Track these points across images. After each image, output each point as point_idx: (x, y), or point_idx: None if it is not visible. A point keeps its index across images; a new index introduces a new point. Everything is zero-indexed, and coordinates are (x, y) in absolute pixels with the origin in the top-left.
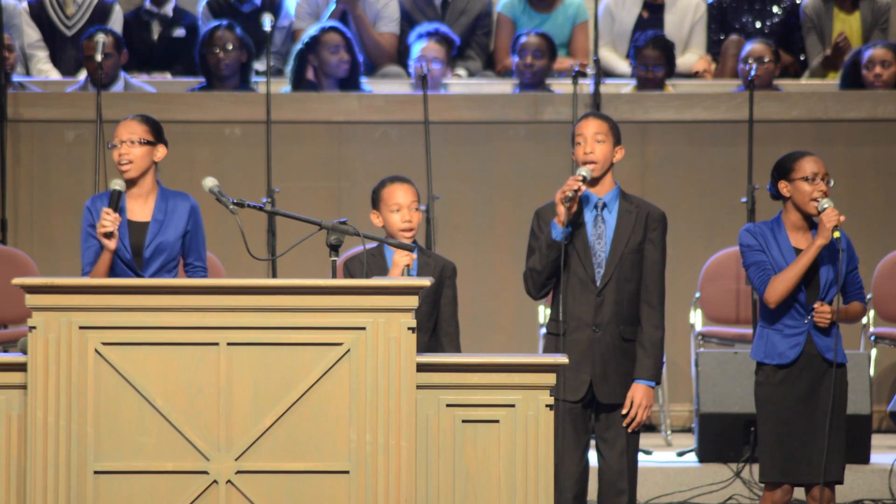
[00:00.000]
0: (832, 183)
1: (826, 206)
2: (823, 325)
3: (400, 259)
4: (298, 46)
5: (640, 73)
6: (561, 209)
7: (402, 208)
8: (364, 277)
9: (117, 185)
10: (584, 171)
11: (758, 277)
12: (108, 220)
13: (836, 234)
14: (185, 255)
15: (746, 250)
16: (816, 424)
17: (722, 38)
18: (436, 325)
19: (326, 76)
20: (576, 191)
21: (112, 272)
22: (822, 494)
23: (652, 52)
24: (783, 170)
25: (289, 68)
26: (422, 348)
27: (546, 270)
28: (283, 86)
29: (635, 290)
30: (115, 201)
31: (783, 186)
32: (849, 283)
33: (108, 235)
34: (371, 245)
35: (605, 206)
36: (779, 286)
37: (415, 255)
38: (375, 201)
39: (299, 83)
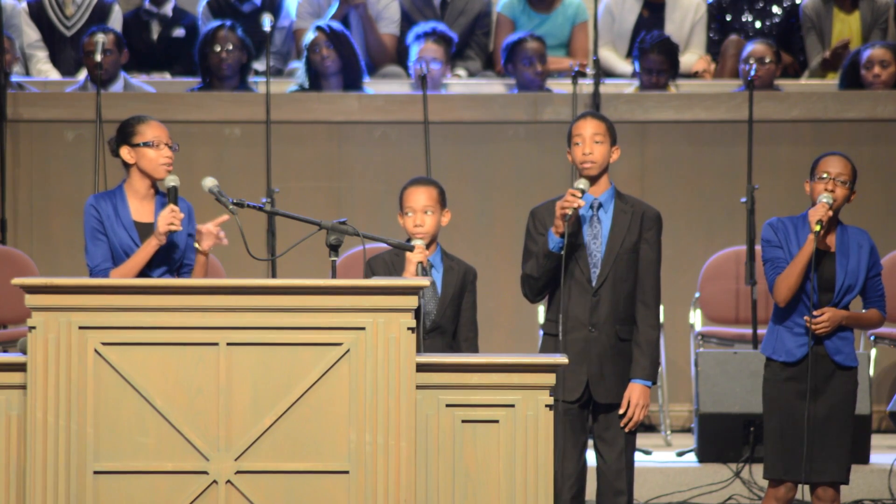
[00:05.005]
0: (845, 185)
1: (820, 200)
2: (821, 334)
3: (413, 256)
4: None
5: (643, 78)
6: (559, 222)
7: (414, 212)
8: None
9: (172, 181)
10: (581, 185)
11: (770, 274)
12: (177, 218)
13: (817, 228)
14: (185, 257)
15: (765, 245)
16: (822, 424)
17: (722, 38)
18: (455, 329)
19: (322, 76)
20: (575, 208)
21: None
22: (825, 494)
23: (657, 58)
24: (812, 168)
25: (301, 71)
26: (445, 351)
27: (543, 278)
28: (285, 86)
29: (631, 290)
30: (175, 197)
31: (806, 184)
32: (868, 288)
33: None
34: (371, 245)
35: (600, 206)
36: (781, 285)
37: (428, 252)
38: (400, 204)
39: (314, 85)
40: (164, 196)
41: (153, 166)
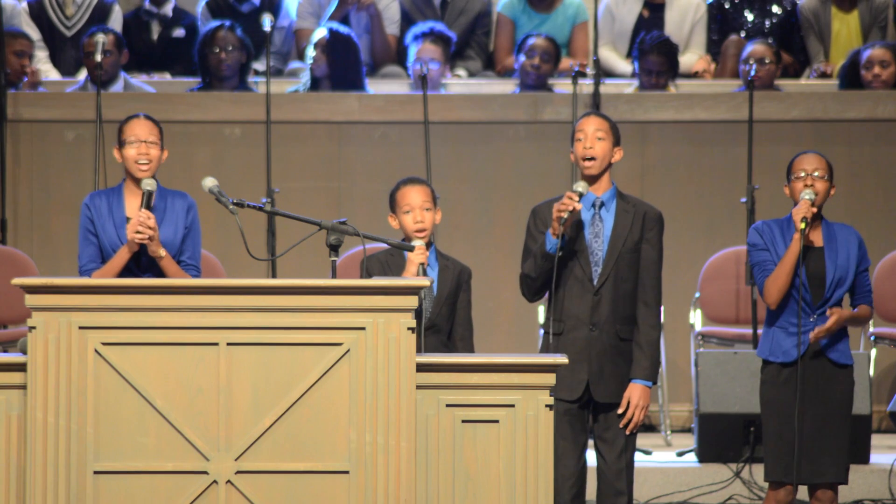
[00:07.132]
0: (823, 179)
1: (802, 198)
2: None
3: (415, 257)
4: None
5: (643, 78)
6: (556, 225)
7: (413, 209)
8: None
9: (148, 185)
10: (580, 188)
11: (759, 277)
12: (147, 226)
13: (802, 225)
14: (180, 253)
15: (752, 249)
16: (821, 425)
17: (722, 38)
18: (450, 328)
19: (315, 78)
20: (571, 211)
21: None
22: (824, 495)
23: (657, 59)
24: (787, 170)
25: (305, 71)
26: (440, 350)
27: (540, 278)
28: (285, 86)
29: (632, 290)
30: (148, 202)
31: (786, 188)
32: (857, 284)
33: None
34: (371, 245)
35: (602, 205)
36: (771, 287)
37: (427, 253)
38: (391, 204)
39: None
40: (166, 192)
41: (129, 164)
